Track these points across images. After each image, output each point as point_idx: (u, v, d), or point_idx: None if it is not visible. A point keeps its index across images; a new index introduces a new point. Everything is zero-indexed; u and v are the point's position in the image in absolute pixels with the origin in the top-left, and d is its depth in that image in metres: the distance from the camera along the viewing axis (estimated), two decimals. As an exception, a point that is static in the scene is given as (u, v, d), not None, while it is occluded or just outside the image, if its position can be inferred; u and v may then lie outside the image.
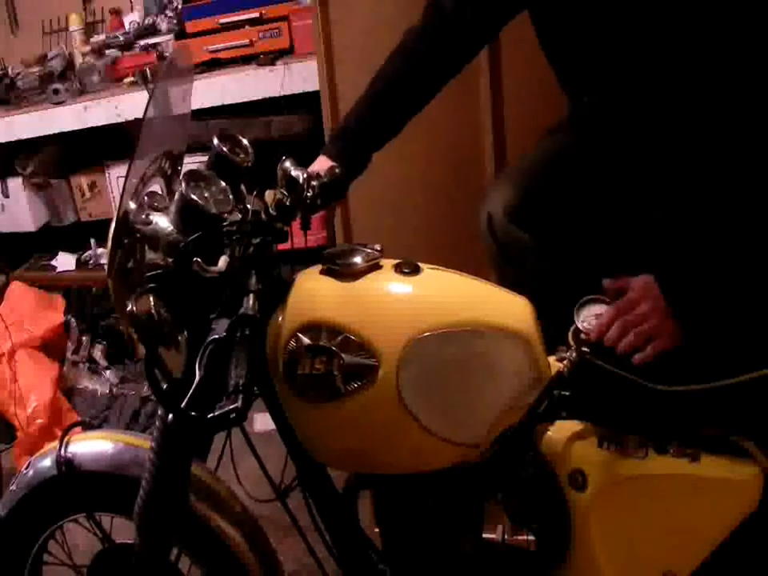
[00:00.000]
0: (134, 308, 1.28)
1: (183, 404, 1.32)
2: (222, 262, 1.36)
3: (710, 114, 1.40)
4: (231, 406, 1.23)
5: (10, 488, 1.76)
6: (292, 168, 1.60)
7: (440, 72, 1.75)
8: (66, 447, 1.69)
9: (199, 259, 1.33)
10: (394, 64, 1.75)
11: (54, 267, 3.93)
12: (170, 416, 1.45)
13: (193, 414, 1.31)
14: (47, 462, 1.71)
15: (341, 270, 1.46)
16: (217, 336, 1.37)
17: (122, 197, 1.32)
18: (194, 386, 1.33)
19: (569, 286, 1.66)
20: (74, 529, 1.83)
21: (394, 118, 1.76)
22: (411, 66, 1.73)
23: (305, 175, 1.59)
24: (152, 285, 1.33)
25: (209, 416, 1.26)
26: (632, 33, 1.44)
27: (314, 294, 1.46)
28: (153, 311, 1.29)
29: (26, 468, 1.75)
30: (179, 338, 1.35)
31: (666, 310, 1.40)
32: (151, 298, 1.30)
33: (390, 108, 1.75)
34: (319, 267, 1.49)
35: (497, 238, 1.80)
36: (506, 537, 1.99)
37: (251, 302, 1.35)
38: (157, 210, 1.41)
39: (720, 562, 1.46)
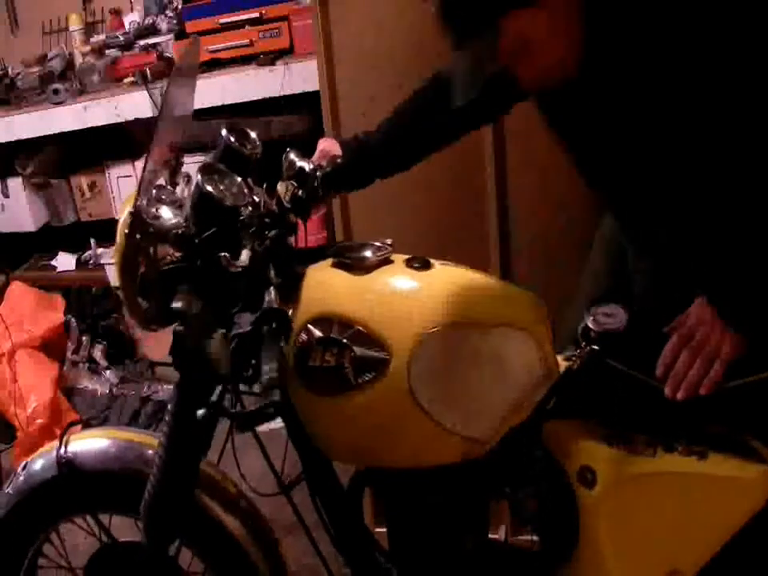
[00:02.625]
0: (180, 305, 1.28)
1: (214, 399, 1.31)
2: (245, 255, 1.36)
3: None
4: (269, 401, 1.23)
5: (6, 490, 1.74)
6: (297, 159, 1.61)
7: (459, 128, 1.78)
8: (66, 447, 1.68)
9: (226, 254, 1.33)
10: (416, 104, 1.76)
11: (54, 267, 3.93)
12: (201, 411, 1.43)
13: (234, 411, 1.31)
14: (45, 463, 1.70)
15: (352, 264, 1.46)
16: (242, 330, 1.37)
17: (137, 192, 1.32)
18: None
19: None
20: (70, 530, 1.82)
21: (413, 153, 1.78)
22: (430, 116, 1.74)
23: (311, 165, 1.60)
24: (189, 283, 1.34)
25: (246, 411, 1.25)
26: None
27: (326, 287, 1.47)
28: (194, 308, 1.29)
29: (22, 470, 1.73)
30: (217, 334, 1.34)
31: (723, 325, 1.38)
32: (188, 296, 1.30)
33: (410, 145, 1.76)
34: (330, 261, 1.50)
35: None
36: (508, 536, 2.00)
37: (273, 295, 1.35)
38: (164, 202, 1.41)
39: (727, 560, 1.46)
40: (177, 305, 1.28)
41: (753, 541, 1.45)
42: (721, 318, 1.38)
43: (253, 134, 1.55)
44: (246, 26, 3.45)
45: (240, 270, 1.35)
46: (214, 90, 3.34)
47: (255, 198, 1.47)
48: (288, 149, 1.62)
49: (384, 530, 1.63)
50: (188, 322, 1.29)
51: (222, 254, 1.34)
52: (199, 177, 1.37)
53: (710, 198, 1.37)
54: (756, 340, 1.38)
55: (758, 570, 1.49)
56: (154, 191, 1.41)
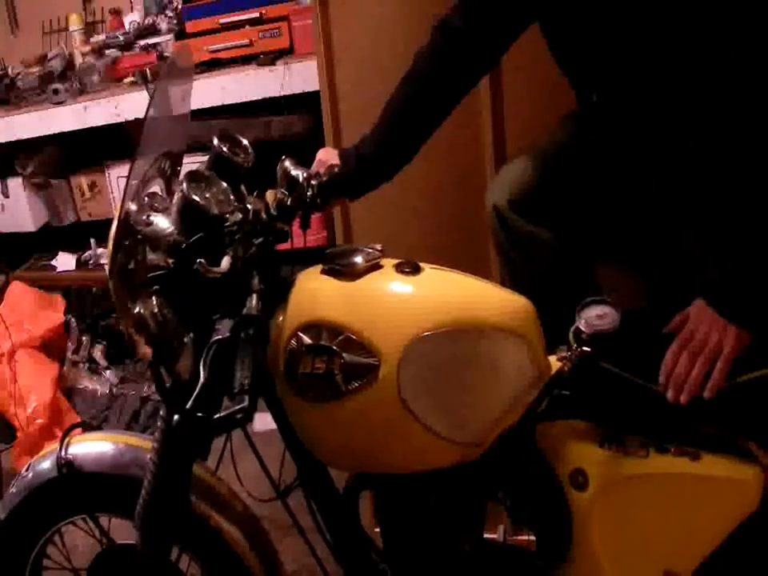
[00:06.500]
0: (141, 310, 1.28)
1: (189, 405, 1.32)
2: (225, 262, 1.36)
3: (719, 114, 1.39)
4: (237, 407, 1.23)
5: (10, 491, 1.75)
6: (292, 168, 1.60)
7: (451, 92, 1.75)
8: (67, 449, 1.69)
9: (203, 260, 1.33)
10: (405, 89, 1.74)
11: (54, 267, 3.92)
12: (176, 417, 1.43)
13: (199, 414, 1.31)
14: (47, 464, 1.71)
15: (342, 270, 1.46)
16: (220, 337, 1.37)
17: (123, 198, 1.32)
18: (198, 386, 1.32)
19: (571, 285, 1.67)
20: (72, 532, 1.83)
21: (409, 143, 1.76)
22: (423, 88, 1.73)
23: (305, 174, 1.59)
24: (156, 286, 1.33)
25: (215, 417, 1.25)
26: (639, 30, 1.44)
27: (315, 293, 1.47)
28: (158, 313, 1.29)
29: (26, 470, 1.74)
30: (185, 339, 1.35)
31: (723, 323, 1.39)
32: (156, 300, 1.30)
33: (404, 134, 1.75)
34: (320, 267, 1.49)
35: (506, 228, 1.80)
36: (506, 537, 1.99)
37: (254, 302, 1.35)
38: (157, 210, 1.41)
39: (721, 561, 1.46)
40: (137, 309, 1.29)
41: (747, 542, 1.45)
42: (721, 316, 1.38)
43: (245, 142, 1.55)
44: (246, 26, 3.45)
45: (218, 276, 1.35)
46: (214, 90, 3.34)
47: (248, 205, 1.47)
48: (283, 157, 1.62)
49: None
50: (151, 330, 1.30)
51: (199, 260, 1.34)
52: (184, 184, 1.37)
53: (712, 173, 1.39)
54: (758, 333, 1.38)
55: (753, 571, 1.49)
56: (146, 198, 1.41)
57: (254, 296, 1.36)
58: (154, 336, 1.30)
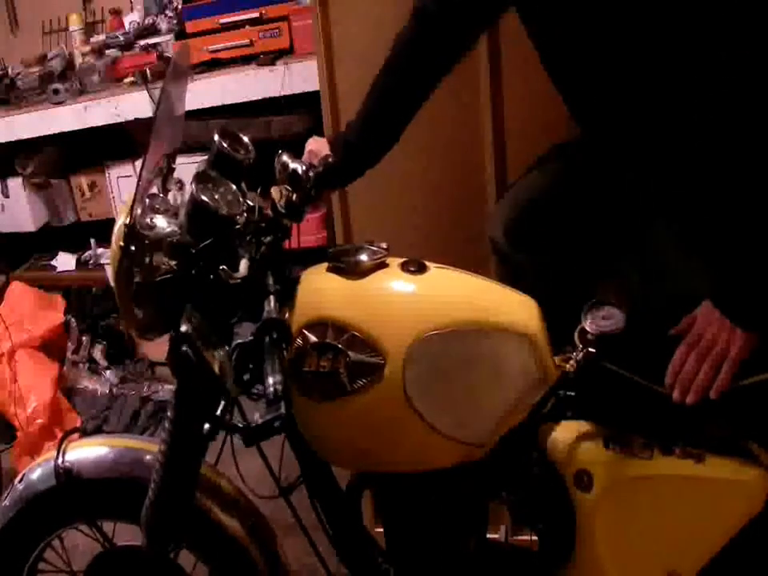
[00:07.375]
0: (187, 327, 1.26)
1: (218, 413, 1.30)
2: (243, 266, 1.35)
3: (718, 113, 1.39)
4: (275, 414, 1.21)
5: (4, 502, 1.73)
6: (290, 161, 1.60)
7: (427, 77, 1.73)
8: (64, 456, 1.67)
9: (225, 267, 1.32)
10: (383, 75, 1.74)
11: (54, 267, 3.93)
12: (206, 425, 1.39)
13: (239, 424, 1.29)
14: (43, 473, 1.69)
15: (347, 268, 1.46)
16: (242, 341, 1.35)
17: (133, 203, 1.31)
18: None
19: (574, 288, 1.67)
20: (72, 533, 1.81)
21: (390, 129, 1.75)
22: (399, 74, 1.72)
23: (304, 167, 1.59)
24: (189, 299, 1.33)
25: (253, 425, 1.23)
26: (629, 31, 1.44)
27: (321, 291, 1.46)
28: (197, 326, 1.28)
29: (19, 481, 1.72)
30: (220, 350, 1.33)
31: (730, 325, 1.38)
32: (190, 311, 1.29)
33: (384, 120, 1.75)
34: (325, 265, 1.49)
35: (501, 259, 1.81)
36: (508, 537, 1.99)
37: (273, 303, 1.34)
38: (158, 211, 1.40)
39: (724, 563, 1.46)
40: (184, 328, 1.26)
41: (751, 544, 1.45)
42: (727, 317, 1.38)
43: (246, 139, 1.54)
44: (246, 26, 3.45)
45: (239, 281, 1.34)
46: (213, 90, 3.34)
47: (250, 203, 1.46)
48: (280, 151, 1.62)
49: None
50: (191, 339, 1.27)
51: (222, 267, 1.33)
52: (193, 186, 1.36)
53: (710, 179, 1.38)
54: (764, 337, 1.38)
55: (757, 573, 1.49)
56: (147, 200, 1.40)
57: (272, 297, 1.35)
58: (198, 350, 1.27)
